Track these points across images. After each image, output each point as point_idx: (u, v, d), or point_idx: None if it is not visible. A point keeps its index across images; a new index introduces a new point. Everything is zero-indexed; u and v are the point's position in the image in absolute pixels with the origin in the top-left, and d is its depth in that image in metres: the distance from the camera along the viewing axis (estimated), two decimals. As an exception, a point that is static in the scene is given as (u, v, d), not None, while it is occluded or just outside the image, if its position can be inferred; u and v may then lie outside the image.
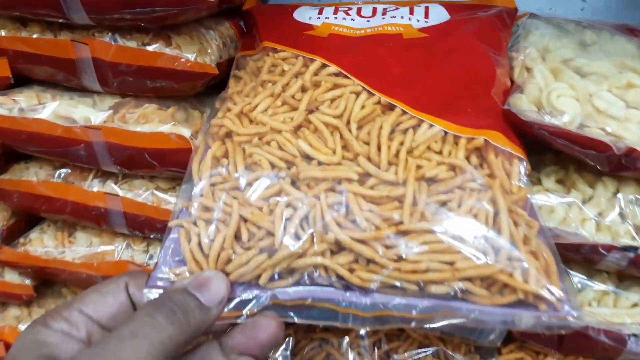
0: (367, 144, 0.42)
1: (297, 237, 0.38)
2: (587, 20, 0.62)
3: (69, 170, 0.58)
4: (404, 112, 0.44)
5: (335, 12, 0.57)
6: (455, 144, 0.42)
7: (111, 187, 0.56)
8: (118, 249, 0.58)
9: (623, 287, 0.51)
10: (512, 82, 0.53)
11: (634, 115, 0.46)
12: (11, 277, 0.61)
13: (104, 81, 0.53)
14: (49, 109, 0.54)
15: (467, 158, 0.42)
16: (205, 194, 0.42)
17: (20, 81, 0.56)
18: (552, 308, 0.36)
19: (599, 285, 0.51)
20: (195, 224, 0.41)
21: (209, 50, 0.53)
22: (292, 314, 0.38)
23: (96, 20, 0.50)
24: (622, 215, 0.47)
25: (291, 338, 0.58)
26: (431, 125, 0.43)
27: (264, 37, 0.54)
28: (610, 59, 0.51)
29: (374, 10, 0.58)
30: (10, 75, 0.54)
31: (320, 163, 0.41)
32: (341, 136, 0.43)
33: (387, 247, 0.37)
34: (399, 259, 0.37)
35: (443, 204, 0.39)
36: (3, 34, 0.53)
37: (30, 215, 0.63)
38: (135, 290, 0.37)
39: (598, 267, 0.50)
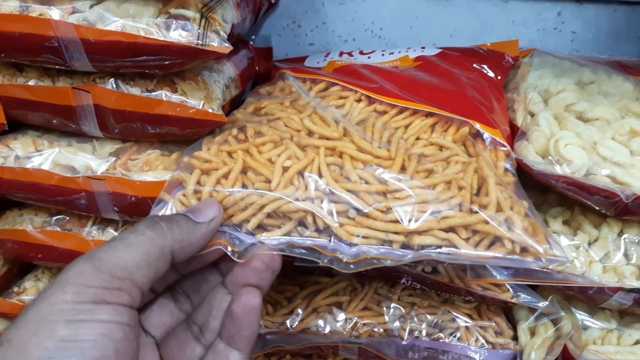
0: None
1: (292, 183, 0.41)
2: (580, 56, 0.64)
3: (66, 217, 0.56)
4: (397, 114, 0.49)
5: (340, 55, 0.62)
6: (443, 134, 0.47)
7: (111, 233, 0.55)
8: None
9: (624, 323, 0.53)
10: (512, 124, 0.54)
11: (638, 161, 0.47)
12: (5, 327, 0.58)
13: (105, 127, 0.51)
14: (48, 158, 0.52)
15: (454, 143, 0.46)
16: (212, 152, 0.45)
17: (12, 125, 0.54)
18: (539, 260, 0.37)
19: (602, 323, 0.52)
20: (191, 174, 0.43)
21: (214, 96, 0.52)
22: (279, 249, 0.39)
23: (99, 68, 0.49)
24: (626, 255, 0.49)
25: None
26: (422, 120, 0.47)
27: (280, 69, 0.59)
28: (610, 100, 0.53)
29: (374, 51, 0.62)
30: (5, 122, 0.52)
31: (321, 137, 0.45)
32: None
33: (376, 199, 0.39)
34: (386, 210, 0.39)
35: (430, 171, 0.42)
36: (-2, 80, 0.51)
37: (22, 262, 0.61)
38: None
39: (602, 306, 0.51)
